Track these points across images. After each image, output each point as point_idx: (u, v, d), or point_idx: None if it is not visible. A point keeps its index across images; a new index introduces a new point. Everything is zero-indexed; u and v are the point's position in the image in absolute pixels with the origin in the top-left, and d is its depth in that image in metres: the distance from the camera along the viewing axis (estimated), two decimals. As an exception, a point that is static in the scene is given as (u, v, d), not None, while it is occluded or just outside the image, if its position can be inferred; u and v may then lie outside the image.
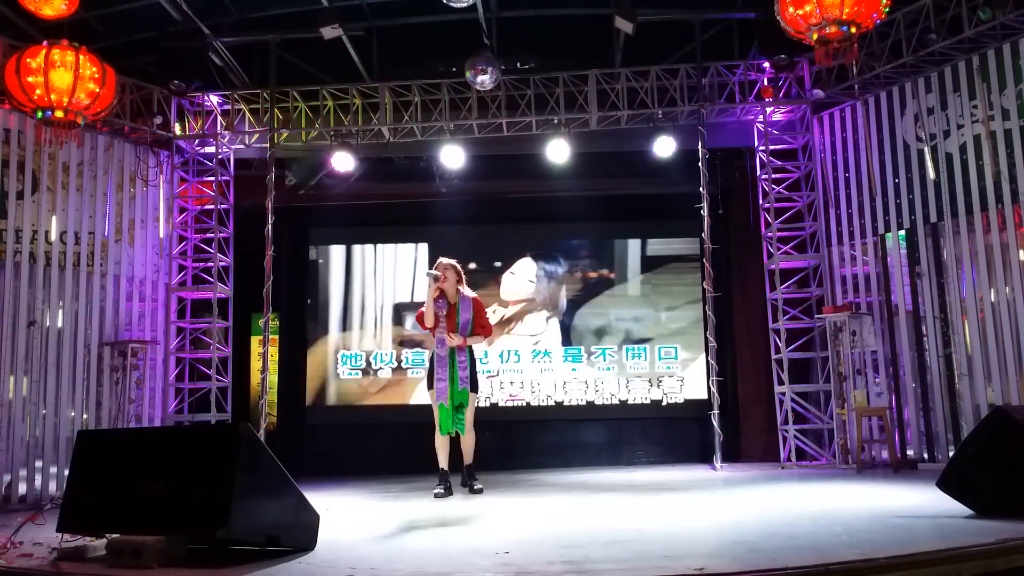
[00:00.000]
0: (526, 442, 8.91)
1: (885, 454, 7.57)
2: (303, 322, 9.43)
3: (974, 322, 7.17)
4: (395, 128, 8.72)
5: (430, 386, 5.73)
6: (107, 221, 8.00)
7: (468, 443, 5.85)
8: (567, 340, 9.30)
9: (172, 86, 8.06)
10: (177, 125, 8.68)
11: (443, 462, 5.73)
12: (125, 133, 8.27)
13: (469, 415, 5.71)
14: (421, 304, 6.07)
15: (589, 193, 9.23)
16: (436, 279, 5.61)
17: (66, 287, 7.55)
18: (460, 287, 5.78)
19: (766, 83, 8.49)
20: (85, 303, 7.72)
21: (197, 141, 8.84)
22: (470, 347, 5.74)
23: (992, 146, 7.07)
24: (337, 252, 9.64)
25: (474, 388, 5.74)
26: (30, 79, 5.74)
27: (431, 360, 5.75)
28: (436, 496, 5.48)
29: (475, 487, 5.77)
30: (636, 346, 9.25)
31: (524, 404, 9.12)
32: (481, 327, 5.82)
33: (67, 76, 5.76)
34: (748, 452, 8.85)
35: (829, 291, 8.37)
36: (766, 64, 8.33)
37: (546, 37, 8.95)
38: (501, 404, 9.07)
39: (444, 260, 5.82)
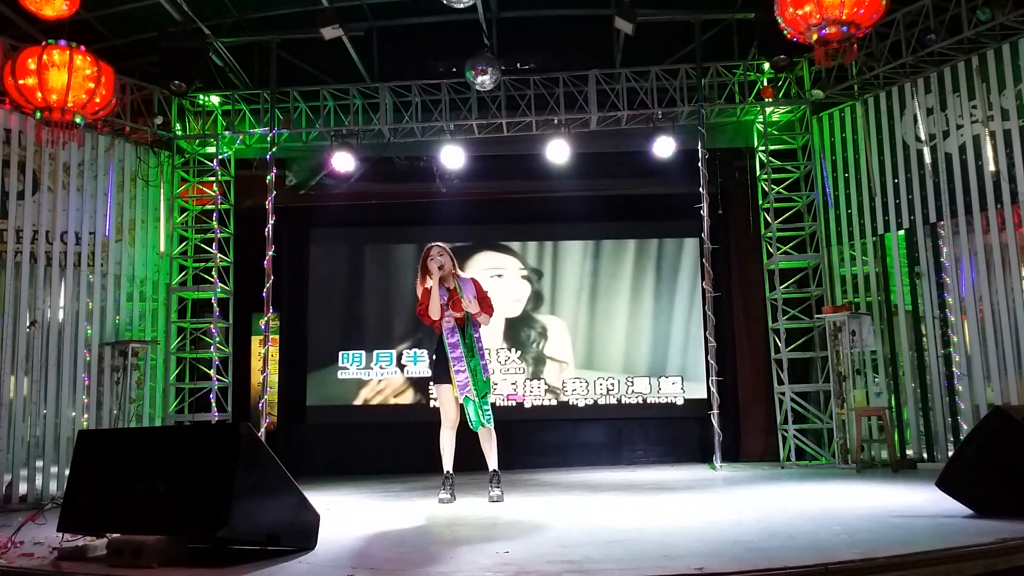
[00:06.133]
0: (526, 442, 8.91)
1: (884, 454, 7.58)
2: (303, 322, 9.42)
3: (974, 322, 7.17)
4: (395, 128, 8.72)
5: (437, 380, 5.36)
6: (107, 221, 8.00)
7: (494, 444, 5.34)
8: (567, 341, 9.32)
9: (173, 86, 8.07)
10: (178, 125, 8.70)
11: (448, 465, 5.31)
12: (126, 133, 8.28)
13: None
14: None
15: (589, 193, 9.24)
16: (441, 267, 5.22)
17: (66, 287, 7.55)
18: (456, 270, 5.39)
19: (766, 83, 8.50)
20: (85, 303, 7.73)
21: (198, 141, 8.85)
22: (480, 333, 5.36)
23: (992, 146, 7.07)
24: (337, 252, 9.64)
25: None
26: (29, 80, 5.74)
27: (437, 352, 5.35)
28: (442, 502, 5.20)
29: (493, 495, 5.26)
30: (636, 347, 9.27)
31: (523, 405, 9.14)
32: (487, 305, 5.40)
33: (62, 76, 5.76)
34: (748, 452, 8.85)
35: (829, 291, 8.37)
36: (766, 64, 8.33)
37: (546, 37, 8.95)
38: (500, 404, 9.06)
39: (437, 245, 5.38)
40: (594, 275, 9.44)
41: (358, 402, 9.25)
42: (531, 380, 9.22)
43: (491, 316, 5.45)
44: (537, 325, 9.37)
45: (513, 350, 9.25)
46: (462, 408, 5.28)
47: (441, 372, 5.31)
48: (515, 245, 9.54)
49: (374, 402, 9.25)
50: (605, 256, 9.47)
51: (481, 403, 5.23)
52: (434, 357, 5.49)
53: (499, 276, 9.40)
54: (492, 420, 5.29)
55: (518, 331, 9.33)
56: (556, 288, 9.45)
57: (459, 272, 5.44)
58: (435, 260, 5.27)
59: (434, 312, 5.24)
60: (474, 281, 5.47)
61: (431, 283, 5.26)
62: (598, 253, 9.49)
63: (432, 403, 9.12)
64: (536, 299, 9.43)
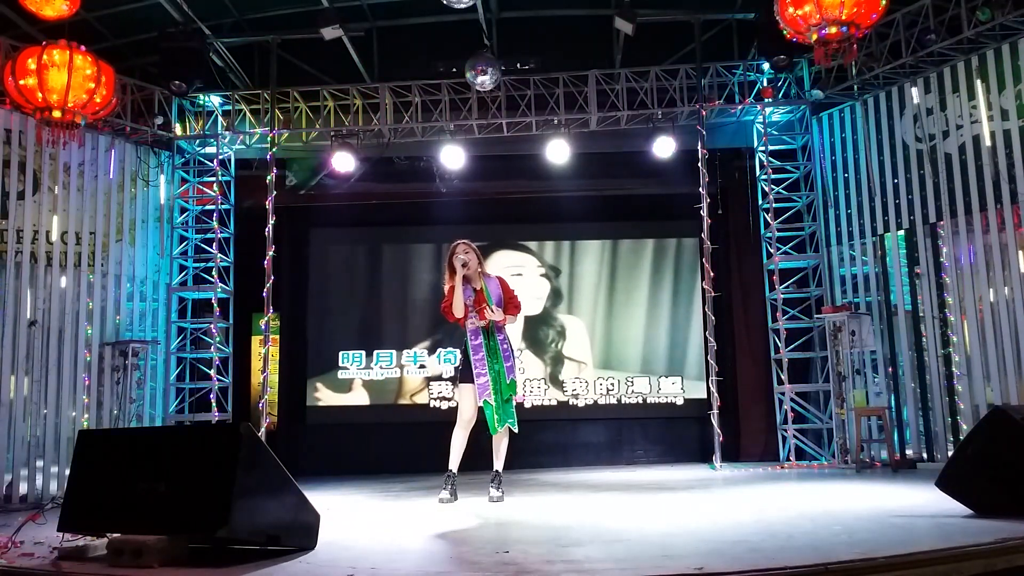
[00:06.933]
0: (526, 441, 8.85)
1: (884, 454, 7.58)
2: (303, 322, 9.42)
3: (973, 322, 7.18)
4: (395, 128, 8.73)
5: (462, 379, 5.26)
6: (108, 221, 8.00)
7: (505, 446, 5.29)
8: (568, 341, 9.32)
9: (173, 87, 8.07)
10: (178, 125, 8.70)
11: (455, 464, 5.18)
12: (126, 133, 8.28)
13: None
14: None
15: (589, 193, 9.24)
16: (465, 265, 5.14)
17: (66, 287, 7.56)
18: (482, 268, 5.33)
19: (765, 83, 8.50)
20: (85, 303, 7.73)
21: (198, 141, 8.85)
22: (506, 333, 5.32)
23: (991, 146, 7.07)
24: (337, 252, 9.64)
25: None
26: (29, 80, 5.74)
27: (463, 352, 5.28)
28: (442, 501, 5.11)
29: (494, 496, 5.22)
30: (635, 347, 9.28)
31: (524, 405, 9.14)
32: (514, 305, 5.34)
33: (62, 76, 5.76)
34: (748, 452, 8.85)
35: (828, 291, 8.38)
36: (765, 64, 8.33)
37: (546, 37, 8.97)
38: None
39: (463, 242, 5.27)
40: (600, 274, 9.43)
41: (358, 402, 9.25)
42: (533, 380, 9.21)
43: (517, 315, 5.42)
44: (556, 324, 9.37)
45: (516, 350, 9.22)
46: (481, 410, 5.21)
47: (467, 372, 5.26)
48: (532, 244, 9.52)
49: (374, 402, 9.25)
50: (613, 255, 9.45)
51: (506, 405, 5.20)
52: (460, 357, 5.44)
53: (519, 275, 9.38)
54: (516, 423, 5.26)
55: (537, 330, 9.32)
56: (573, 287, 9.44)
57: (485, 271, 5.38)
58: (459, 258, 5.20)
59: (457, 310, 5.20)
60: (500, 280, 5.43)
61: (456, 281, 5.20)
62: (609, 252, 9.45)
63: (432, 402, 9.15)
64: (555, 296, 9.43)
